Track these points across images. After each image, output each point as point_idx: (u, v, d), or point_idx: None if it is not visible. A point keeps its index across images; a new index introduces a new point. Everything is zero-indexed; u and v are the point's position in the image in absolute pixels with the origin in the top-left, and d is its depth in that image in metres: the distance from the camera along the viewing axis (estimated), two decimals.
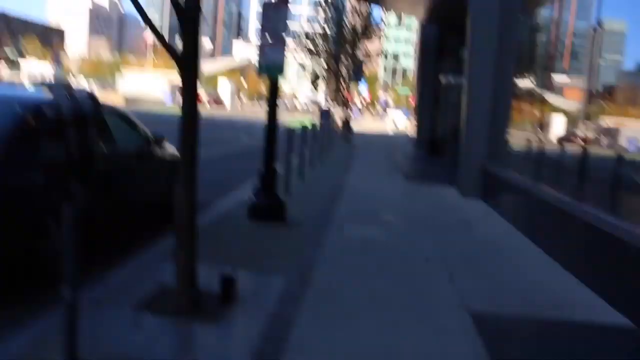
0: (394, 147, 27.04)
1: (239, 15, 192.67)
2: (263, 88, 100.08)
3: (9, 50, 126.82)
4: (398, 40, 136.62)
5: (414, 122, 28.39)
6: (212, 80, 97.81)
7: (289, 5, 7.16)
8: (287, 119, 29.76)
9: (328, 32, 31.46)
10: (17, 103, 5.30)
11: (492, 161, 11.62)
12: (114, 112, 6.92)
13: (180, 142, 4.34)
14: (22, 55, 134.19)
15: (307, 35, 32.86)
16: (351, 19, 31.30)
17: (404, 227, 8.68)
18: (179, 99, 4.50)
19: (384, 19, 37.28)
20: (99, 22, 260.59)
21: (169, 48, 4.39)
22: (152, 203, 7.47)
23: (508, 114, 11.58)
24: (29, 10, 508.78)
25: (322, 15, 31.69)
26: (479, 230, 9.06)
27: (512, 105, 11.62)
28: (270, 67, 7.59)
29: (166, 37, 4.67)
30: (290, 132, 11.02)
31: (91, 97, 6.36)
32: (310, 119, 31.99)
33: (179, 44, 4.47)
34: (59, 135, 5.38)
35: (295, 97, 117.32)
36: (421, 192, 12.93)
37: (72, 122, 5.58)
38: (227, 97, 79.93)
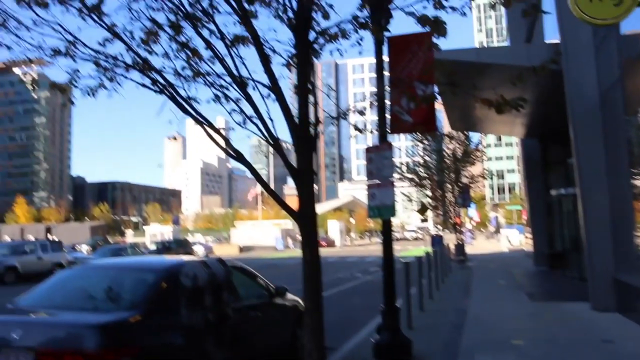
0: (512, 265, 25.96)
1: (341, 158, 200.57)
2: (371, 223, 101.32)
3: (133, 216, 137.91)
4: (500, 157, 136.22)
5: (529, 238, 27.31)
6: (322, 222, 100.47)
7: (392, 147, 7.44)
8: (399, 250, 29.62)
9: (429, 161, 31.86)
10: (156, 269, 5.79)
11: (622, 269, 10.88)
12: (240, 269, 7.31)
13: (304, 290, 4.51)
14: (144, 219, 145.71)
15: (408, 167, 33.45)
16: (450, 146, 31.62)
17: (539, 352, 8.15)
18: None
19: (482, 141, 37.43)
20: (210, 179, 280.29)
21: (279, 201, 4.72)
22: (277, 351, 7.57)
23: (631, 217, 10.99)
24: (149, 178, 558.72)
25: (420, 145, 32.31)
26: (625, 348, 8.31)
27: (634, 207, 11.05)
28: (382, 209, 7.74)
29: (272, 185, 5.05)
30: (405, 264, 10.99)
31: (220, 261, 6.77)
32: (423, 248, 31.68)
33: (286, 191, 4.84)
34: (195, 298, 5.74)
35: (404, 228, 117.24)
36: (549, 310, 12.18)
37: (206, 286, 5.95)
38: (337, 235, 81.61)
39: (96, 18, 5.38)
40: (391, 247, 8.09)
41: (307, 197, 4.70)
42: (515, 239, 51.87)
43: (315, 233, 4.68)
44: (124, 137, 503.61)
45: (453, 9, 5.90)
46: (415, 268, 13.20)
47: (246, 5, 5.42)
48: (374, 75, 7.81)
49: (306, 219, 4.73)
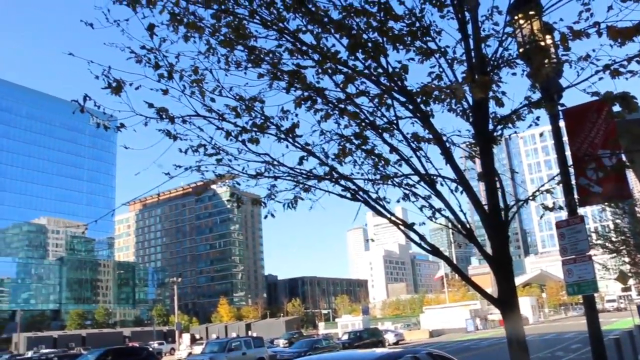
0: None
1: (523, 232, 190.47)
2: (564, 296, 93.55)
3: (323, 309, 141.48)
4: None
5: None
6: None
7: (584, 220, 7.22)
8: (602, 323, 26.93)
9: (622, 225, 29.29)
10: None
11: None
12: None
13: None
14: (334, 310, 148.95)
15: (597, 233, 31.03)
16: None
17: None
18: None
19: None
20: (393, 266, 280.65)
21: (478, 289, 4.85)
22: None
23: None
24: (334, 270, 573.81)
25: (609, 209, 29.93)
26: None
27: None
28: (582, 286, 7.42)
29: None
30: (615, 339, 10.15)
31: (431, 355, 6.89)
32: (630, 319, 28.58)
33: (471, 271, 4.97)
34: None
35: (603, 298, 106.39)
36: None
37: None
38: (529, 312, 76.68)
39: (291, 140, 6.13)
40: (597, 323, 7.64)
41: (506, 283, 4.79)
42: None
43: (519, 318, 4.72)
44: (308, 234, 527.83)
45: (632, 73, 5.58)
46: (627, 343, 12.07)
47: (423, 107, 5.82)
48: (545, 144, 7.73)
49: (507, 305, 4.79)
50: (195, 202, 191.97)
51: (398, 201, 6.46)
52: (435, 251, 5.81)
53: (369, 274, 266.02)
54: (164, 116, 5.65)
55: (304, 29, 5.54)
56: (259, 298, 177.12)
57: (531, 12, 5.92)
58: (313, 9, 5.48)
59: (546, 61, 5.40)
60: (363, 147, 6.19)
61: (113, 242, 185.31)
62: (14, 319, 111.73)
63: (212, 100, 5.91)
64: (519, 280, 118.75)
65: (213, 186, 9.03)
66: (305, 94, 5.82)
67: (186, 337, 79.42)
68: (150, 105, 5.59)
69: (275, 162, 6.21)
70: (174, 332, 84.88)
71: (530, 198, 6.21)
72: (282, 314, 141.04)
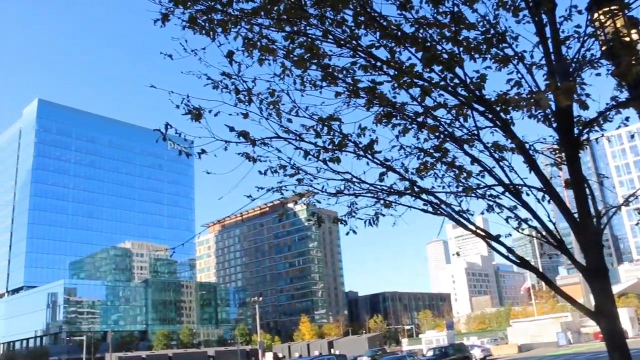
0: None
1: (615, 239, 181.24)
2: None
3: (406, 324, 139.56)
4: None
5: None
6: None
7: None
8: None
9: None
10: None
11: None
12: None
13: None
14: (417, 326, 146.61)
15: None
16: None
17: None
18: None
19: None
20: (476, 279, 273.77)
21: (574, 302, 4.62)
22: None
23: None
24: (415, 284, 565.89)
25: None
26: None
27: None
28: None
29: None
30: None
31: None
32: None
33: (559, 282, 4.73)
34: None
35: None
36: None
37: None
38: (627, 324, 72.23)
39: (370, 156, 6.10)
40: None
41: (604, 294, 4.54)
42: None
43: (620, 330, 4.45)
44: (386, 248, 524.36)
45: None
46: None
47: (503, 115, 5.65)
48: (634, 143, 7.31)
49: (605, 316, 4.53)
50: (272, 221, 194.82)
51: (482, 213, 6.29)
52: (524, 263, 5.60)
53: (451, 287, 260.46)
54: (245, 139, 5.76)
55: (376, 44, 5.53)
56: (340, 315, 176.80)
57: (614, 7, 5.66)
58: (384, 23, 5.46)
59: (633, 58, 5.13)
60: (443, 159, 6.09)
61: (194, 264, 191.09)
62: (105, 340, 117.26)
63: (289, 121, 5.99)
64: (614, 290, 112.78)
65: (290, 205, 9.11)
66: (385, 110, 5.79)
67: (269, 356, 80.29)
68: (232, 129, 5.71)
69: (356, 180, 6.21)
70: (257, 351, 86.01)
71: (624, 204, 5.89)
72: (364, 331, 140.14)
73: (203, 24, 5.73)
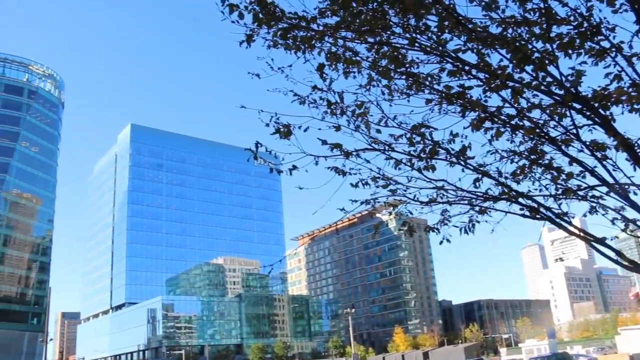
0: None
1: None
2: None
3: (504, 333, 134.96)
4: None
5: None
6: None
7: None
8: None
9: None
10: None
11: None
12: None
13: None
14: (516, 334, 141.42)
15: None
16: None
17: None
18: None
19: None
20: (577, 284, 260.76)
21: None
22: None
23: None
24: (510, 291, 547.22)
25: None
26: None
27: None
28: None
29: None
30: None
31: None
32: None
33: None
34: None
35: None
36: None
37: None
38: None
39: (463, 162, 5.95)
40: None
41: None
42: None
43: None
44: (479, 255, 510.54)
45: None
46: None
47: (602, 111, 5.36)
48: None
49: None
50: (362, 231, 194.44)
51: (585, 215, 5.97)
52: (636, 267, 5.26)
53: (550, 293, 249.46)
54: (338, 152, 5.79)
55: (463, 48, 5.41)
56: (434, 325, 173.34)
57: None
58: (470, 26, 5.34)
59: None
60: (540, 161, 5.85)
61: (286, 277, 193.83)
62: (203, 353, 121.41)
63: (378, 131, 5.97)
64: None
65: (379, 215, 9.07)
66: (481, 115, 5.64)
67: None
68: (324, 142, 5.75)
69: (451, 187, 6.09)
70: None
71: None
72: (459, 341, 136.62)
73: (287, 41, 5.82)
